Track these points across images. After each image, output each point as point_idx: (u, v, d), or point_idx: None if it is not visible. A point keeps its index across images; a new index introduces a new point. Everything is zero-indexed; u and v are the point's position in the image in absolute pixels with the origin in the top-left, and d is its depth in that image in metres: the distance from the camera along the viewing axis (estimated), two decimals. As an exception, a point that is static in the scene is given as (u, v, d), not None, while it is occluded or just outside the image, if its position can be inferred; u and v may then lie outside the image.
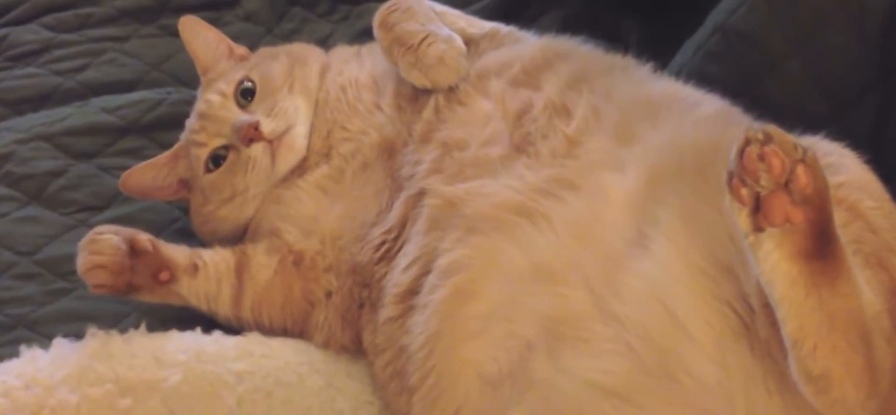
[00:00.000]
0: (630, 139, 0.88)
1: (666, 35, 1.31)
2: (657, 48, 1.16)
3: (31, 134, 1.23)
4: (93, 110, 1.28)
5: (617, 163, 0.87)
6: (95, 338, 0.90)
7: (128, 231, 0.96)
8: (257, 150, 1.01)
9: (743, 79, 1.07)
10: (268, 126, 1.01)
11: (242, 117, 1.02)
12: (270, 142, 1.01)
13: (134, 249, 0.95)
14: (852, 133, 0.87)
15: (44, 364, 0.88)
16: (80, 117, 1.26)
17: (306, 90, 1.05)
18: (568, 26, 1.22)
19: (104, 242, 0.94)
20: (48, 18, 1.46)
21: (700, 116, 0.90)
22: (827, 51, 1.02)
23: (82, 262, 0.93)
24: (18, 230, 1.12)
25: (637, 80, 0.98)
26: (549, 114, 0.92)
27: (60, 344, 0.90)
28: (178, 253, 0.98)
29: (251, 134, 1.00)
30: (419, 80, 0.99)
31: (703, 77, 1.06)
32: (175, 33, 1.44)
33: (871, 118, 0.99)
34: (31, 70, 1.38)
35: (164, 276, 0.96)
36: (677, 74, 1.08)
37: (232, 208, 1.04)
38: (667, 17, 1.40)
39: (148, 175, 1.08)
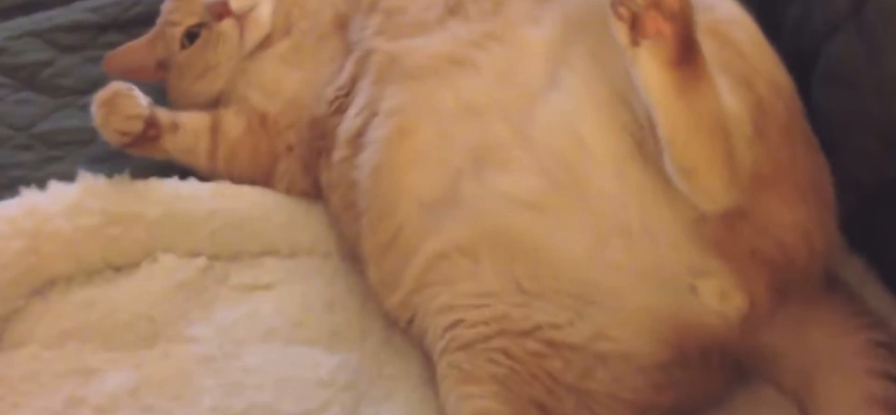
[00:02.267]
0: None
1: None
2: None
3: (21, 31, 1.36)
4: (76, 11, 1.40)
5: (535, 18, 0.99)
6: (86, 179, 1.04)
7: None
8: (228, 24, 1.14)
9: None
10: (237, 3, 1.14)
11: None
12: (238, 18, 1.14)
13: None
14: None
15: (42, 199, 1.01)
16: (66, 16, 1.39)
17: None
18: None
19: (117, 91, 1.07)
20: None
21: None
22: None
23: (98, 114, 1.07)
24: (14, 110, 1.26)
25: None
26: None
27: (56, 184, 1.04)
28: (162, 113, 1.12)
29: (221, 10, 1.13)
30: None
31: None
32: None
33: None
34: (18, -21, 1.50)
35: (152, 132, 1.10)
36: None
37: (204, 83, 1.18)
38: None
39: (128, 57, 1.21)
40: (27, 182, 1.09)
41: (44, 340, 0.95)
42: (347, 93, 1.07)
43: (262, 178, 1.13)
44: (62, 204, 1.00)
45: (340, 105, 1.07)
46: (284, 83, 1.13)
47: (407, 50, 1.02)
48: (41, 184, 1.09)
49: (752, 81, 0.90)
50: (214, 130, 1.13)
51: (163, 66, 1.22)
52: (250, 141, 1.13)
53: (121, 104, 1.08)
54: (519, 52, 0.98)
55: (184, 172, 1.13)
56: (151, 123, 1.10)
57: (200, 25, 1.16)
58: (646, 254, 0.89)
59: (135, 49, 1.22)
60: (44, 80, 1.30)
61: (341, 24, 1.13)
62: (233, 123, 1.13)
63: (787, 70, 0.95)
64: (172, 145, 1.12)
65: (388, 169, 0.98)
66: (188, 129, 1.12)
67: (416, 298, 0.96)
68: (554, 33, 0.98)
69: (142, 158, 1.13)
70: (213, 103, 1.19)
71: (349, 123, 1.04)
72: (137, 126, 1.07)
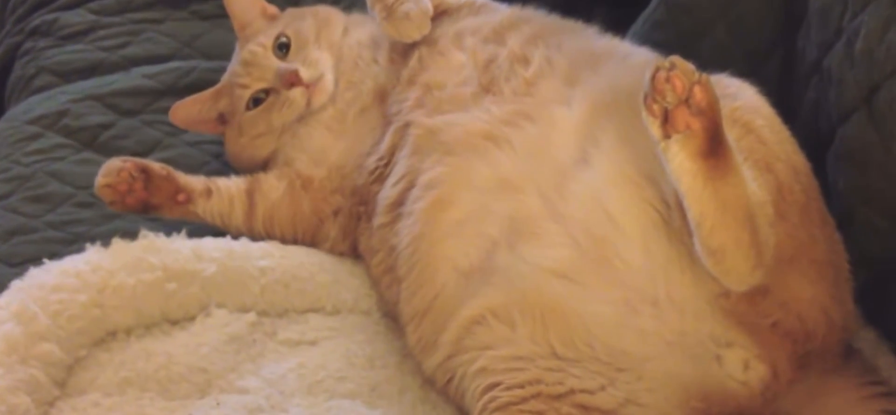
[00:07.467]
0: (576, 82, 1.07)
1: (630, 18, 1.52)
2: (623, 30, 1.36)
3: (83, 95, 1.45)
4: (135, 76, 1.49)
5: (565, 99, 1.06)
6: (146, 238, 1.11)
7: (141, 161, 1.17)
8: (296, 92, 1.22)
9: (680, 42, 1.27)
10: (306, 74, 1.22)
11: (283, 65, 1.23)
12: (307, 86, 1.22)
13: (148, 175, 1.16)
14: (765, 82, 1.07)
15: (106, 255, 1.09)
16: (125, 82, 1.48)
17: (331, 46, 1.26)
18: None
19: (110, 166, 1.16)
20: (93, 4, 1.67)
21: (632, 63, 1.09)
22: (744, 14, 1.23)
23: (96, 183, 1.15)
24: (76, 169, 1.34)
25: (584, 37, 1.18)
26: (512, 62, 1.11)
27: (118, 242, 1.11)
28: (194, 181, 1.20)
29: (293, 79, 1.21)
30: (389, 30, 1.19)
31: (648, 42, 1.27)
32: (204, 17, 1.67)
33: (778, 68, 1.20)
34: (79, 47, 1.58)
35: (181, 197, 1.18)
36: (630, 41, 1.29)
37: (262, 142, 1.25)
38: (634, 5, 1.61)
39: (194, 108, 1.30)
40: (89, 238, 1.16)
41: (105, 388, 1.01)
42: (387, 162, 1.15)
43: (304, 237, 1.20)
44: (125, 260, 1.08)
45: (380, 174, 1.15)
46: (329, 151, 1.21)
47: (445, 125, 1.09)
48: (100, 239, 1.15)
49: (773, 166, 0.96)
50: (251, 193, 1.20)
51: (223, 120, 1.30)
52: (291, 202, 1.20)
53: (108, 164, 1.16)
54: (550, 131, 1.04)
55: (236, 232, 1.20)
56: (179, 188, 1.17)
57: (267, 91, 1.24)
58: (672, 324, 0.94)
59: (200, 101, 1.30)
60: (103, 141, 1.39)
61: (382, 96, 1.21)
62: (274, 185, 1.21)
63: (804, 150, 1.01)
64: (205, 210, 1.19)
65: (427, 239, 1.04)
66: (223, 195, 1.20)
67: (454, 362, 1.01)
68: (583, 114, 1.04)
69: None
70: (264, 161, 1.27)
71: (388, 191, 1.11)
72: (121, 177, 1.14)
